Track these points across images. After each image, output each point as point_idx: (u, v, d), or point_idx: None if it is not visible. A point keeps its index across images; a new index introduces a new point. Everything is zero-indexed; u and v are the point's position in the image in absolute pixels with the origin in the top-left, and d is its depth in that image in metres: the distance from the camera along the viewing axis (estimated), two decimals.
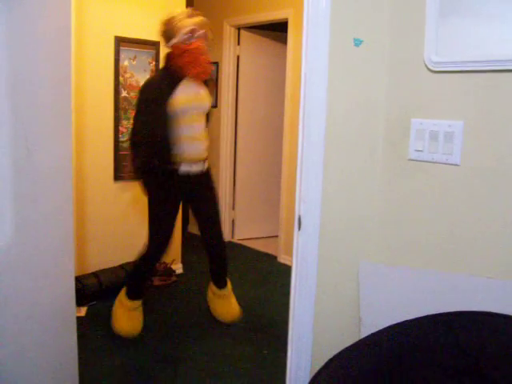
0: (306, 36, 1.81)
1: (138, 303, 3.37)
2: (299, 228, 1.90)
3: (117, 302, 3.40)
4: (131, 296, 3.34)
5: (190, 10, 3.16)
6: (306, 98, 1.83)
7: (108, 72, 3.93)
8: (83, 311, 3.63)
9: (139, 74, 4.08)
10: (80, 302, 3.56)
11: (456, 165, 1.70)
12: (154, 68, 4.15)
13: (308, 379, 1.92)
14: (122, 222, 4.15)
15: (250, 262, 5.10)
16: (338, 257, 1.94)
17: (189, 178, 3.21)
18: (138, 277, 3.38)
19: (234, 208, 5.73)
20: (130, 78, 4.04)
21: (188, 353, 3.17)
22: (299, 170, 1.88)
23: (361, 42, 1.80)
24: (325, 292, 1.94)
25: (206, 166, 3.32)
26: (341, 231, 1.92)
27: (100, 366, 2.94)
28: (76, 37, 3.62)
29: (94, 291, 3.80)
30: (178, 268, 4.58)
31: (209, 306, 3.67)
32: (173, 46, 3.07)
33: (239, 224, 5.77)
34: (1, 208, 1.73)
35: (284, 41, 4.99)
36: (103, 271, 3.97)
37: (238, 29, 5.41)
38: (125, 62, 3.99)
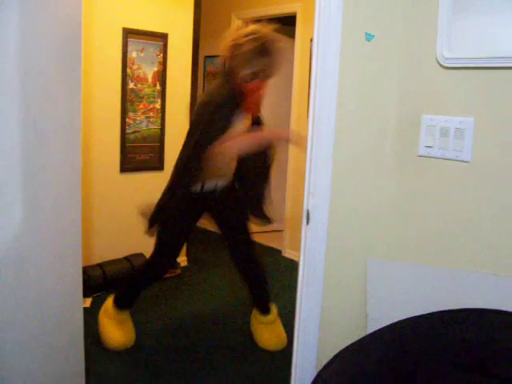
0: (318, 30, 1.80)
1: (125, 314, 3.13)
2: (307, 222, 1.89)
3: (102, 314, 3.16)
4: (120, 304, 3.09)
5: (262, 27, 2.71)
6: (316, 92, 1.82)
7: (116, 64, 3.92)
8: (88, 302, 3.64)
9: (147, 65, 4.08)
10: (85, 293, 3.55)
11: (466, 161, 1.69)
12: (161, 60, 4.14)
13: (314, 374, 1.92)
14: (127, 214, 4.15)
15: None
16: (346, 252, 1.93)
17: (214, 193, 2.97)
18: (135, 284, 3.14)
19: None
20: (137, 69, 4.03)
21: (193, 346, 3.17)
22: (308, 163, 1.88)
23: (373, 36, 1.79)
24: (332, 287, 1.94)
25: (232, 179, 3.06)
26: (349, 226, 1.92)
27: (105, 356, 2.95)
28: (84, 28, 3.58)
29: (98, 282, 3.81)
30: (183, 261, 4.58)
31: (252, 334, 3.30)
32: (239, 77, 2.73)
33: None
34: (11, 197, 1.73)
35: (292, 35, 4.97)
36: (108, 263, 3.98)
37: (246, 22, 5.38)
38: (132, 54, 3.98)
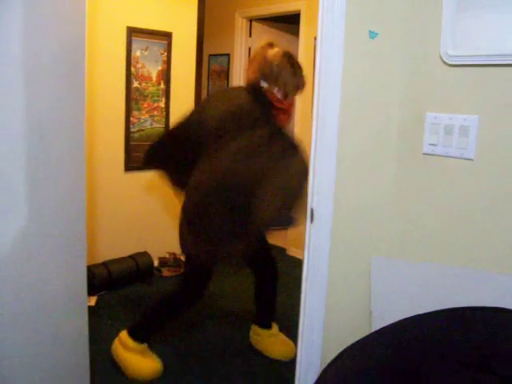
0: (321, 28, 1.80)
1: (144, 346, 2.87)
2: (311, 221, 1.89)
3: (119, 349, 2.88)
4: (137, 337, 2.84)
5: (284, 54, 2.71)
6: (320, 90, 1.82)
7: (120, 62, 3.93)
8: (93, 301, 3.65)
9: (151, 64, 4.08)
10: (89, 292, 3.56)
11: (470, 159, 1.68)
12: (165, 59, 4.14)
13: (318, 372, 1.92)
14: (132, 213, 4.16)
15: None
16: (350, 250, 1.93)
17: None
18: (157, 317, 2.89)
19: None
20: (141, 68, 4.04)
21: (196, 345, 3.18)
22: (312, 162, 1.88)
23: (376, 34, 1.79)
24: (336, 285, 1.94)
25: None
26: (353, 224, 1.92)
27: (110, 355, 2.95)
28: (88, 27, 3.60)
29: (103, 281, 3.82)
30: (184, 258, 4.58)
31: (258, 349, 3.16)
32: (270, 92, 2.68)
33: None
34: (16, 197, 1.74)
35: (296, 33, 4.97)
36: (113, 261, 3.99)
37: (250, 20, 5.39)
38: (137, 53, 3.99)
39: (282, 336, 3.20)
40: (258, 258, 3.10)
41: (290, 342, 3.13)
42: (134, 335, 2.84)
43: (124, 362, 2.83)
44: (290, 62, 2.70)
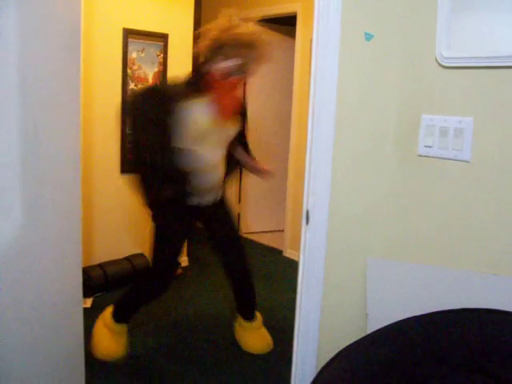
0: (317, 30, 1.80)
1: (124, 328, 2.98)
2: (307, 222, 1.89)
3: (99, 322, 3.02)
4: (118, 318, 2.95)
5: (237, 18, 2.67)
6: (316, 91, 1.82)
7: (116, 64, 3.92)
8: (89, 302, 3.64)
9: (147, 66, 4.08)
10: (85, 294, 3.57)
11: (466, 161, 1.69)
12: (162, 60, 4.14)
13: (314, 374, 1.92)
14: (127, 215, 4.15)
15: (256, 256, 5.10)
16: (346, 251, 1.93)
17: (198, 207, 2.82)
18: (134, 299, 2.99)
19: (239, 202, 5.72)
20: (137, 70, 4.03)
21: (193, 346, 3.17)
22: (308, 163, 1.88)
23: (372, 36, 1.79)
24: (332, 287, 1.94)
25: (221, 193, 2.91)
26: (349, 226, 1.92)
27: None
28: (84, 29, 3.60)
29: (99, 283, 3.81)
30: (184, 261, 4.58)
31: (236, 339, 3.22)
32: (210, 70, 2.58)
33: (245, 218, 5.77)
34: (10, 198, 1.73)
35: (292, 35, 4.97)
36: (109, 263, 3.98)
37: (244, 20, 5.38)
38: (133, 54, 3.98)
39: (262, 331, 3.21)
40: (222, 244, 3.05)
41: (267, 338, 3.18)
42: (114, 315, 2.94)
43: (95, 335, 2.96)
44: (241, 37, 2.56)
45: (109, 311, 3.00)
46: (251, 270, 3.11)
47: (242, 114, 2.84)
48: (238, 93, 2.67)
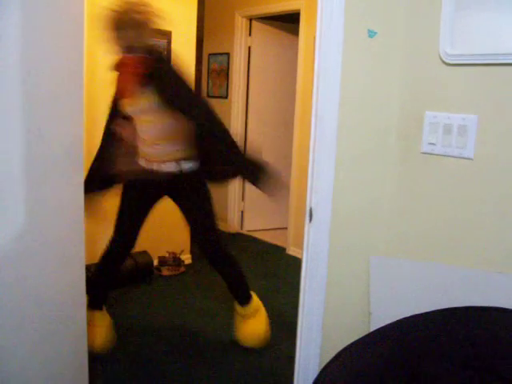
0: (320, 27, 1.79)
1: (95, 314, 2.96)
2: (310, 220, 1.89)
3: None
4: (89, 305, 2.85)
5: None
6: (319, 89, 1.82)
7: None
8: None
9: None
10: (88, 291, 3.57)
11: (469, 159, 1.68)
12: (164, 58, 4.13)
13: (317, 371, 1.92)
14: None
15: (259, 253, 5.11)
16: (349, 249, 1.93)
17: (159, 178, 2.87)
18: (96, 281, 3.02)
19: (243, 199, 5.73)
20: None
21: (196, 343, 3.18)
22: (311, 160, 1.87)
23: (375, 33, 1.79)
24: (335, 285, 1.94)
25: (185, 167, 2.87)
26: (352, 224, 1.92)
27: (108, 354, 2.95)
28: (86, 26, 3.61)
29: None
30: (187, 258, 4.59)
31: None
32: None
33: (248, 215, 5.77)
34: (13, 196, 1.73)
35: (296, 32, 4.97)
36: None
37: (250, 20, 5.38)
38: None
39: (257, 320, 3.14)
40: (196, 232, 3.09)
41: (260, 331, 3.12)
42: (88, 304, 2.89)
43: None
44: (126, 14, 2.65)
45: None
46: (231, 256, 3.11)
47: (157, 85, 2.71)
48: (138, 71, 2.65)
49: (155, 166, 2.85)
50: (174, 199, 3.01)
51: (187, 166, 2.88)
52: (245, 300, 3.12)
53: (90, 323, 2.76)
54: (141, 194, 2.98)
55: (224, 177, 3.07)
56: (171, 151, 2.84)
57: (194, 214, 2.98)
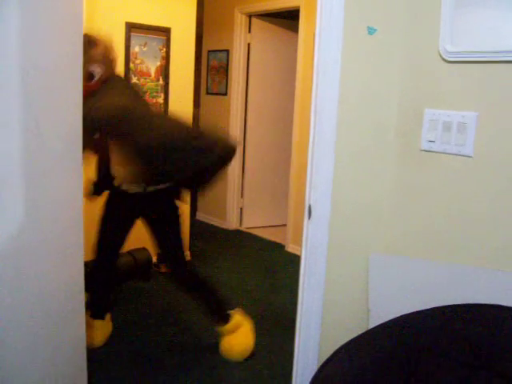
0: (320, 23, 1.79)
1: (99, 323, 3.03)
2: (309, 217, 1.89)
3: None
4: (91, 314, 2.99)
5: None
6: (318, 85, 1.81)
7: (119, 58, 3.91)
8: None
9: (149, 60, 4.07)
10: (87, 288, 3.57)
11: (468, 156, 1.68)
12: (164, 55, 4.13)
13: (315, 368, 1.92)
14: None
15: (258, 250, 5.11)
16: (348, 246, 1.93)
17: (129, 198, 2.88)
18: (93, 292, 3.02)
19: (242, 196, 5.73)
20: (140, 64, 4.03)
21: (194, 339, 3.18)
22: (310, 157, 1.87)
23: (375, 30, 1.79)
24: (334, 282, 1.94)
25: (150, 188, 2.84)
26: (351, 221, 1.92)
27: (107, 351, 2.96)
28: (87, 23, 3.60)
29: None
30: (186, 255, 4.57)
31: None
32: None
33: (247, 212, 5.77)
34: (12, 193, 1.73)
35: (295, 29, 4.96)
36: None
37: (250, 16, 5.38)
38: (135, 49, 3.98)
39: (239, 334, 3.04)
40: (170, 258, 3.13)
41: (242, 348, 3.02)
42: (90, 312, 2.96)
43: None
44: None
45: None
46: (202, 279, 3.12)
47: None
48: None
49: (124, 186, 2.84)
50: (145, 220, 3.02)
51: (152, 187, 2.86)
52: (221, 320, 3.02)
53: (89, 325, 2.78)
54: (118, 214, 2.98)
55: (204, 181, 2.97)
56: (134, 172, 2.79)
57: (164, 234, 3.02)
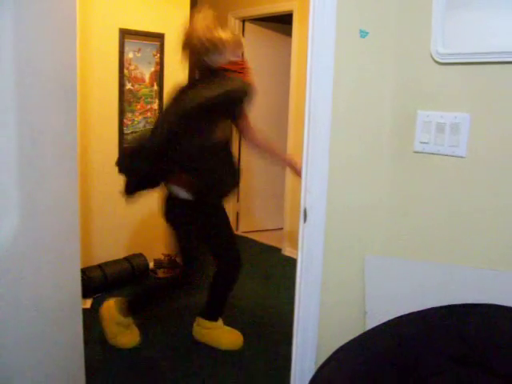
0: (312, 27, 1.80)
1: (129, 320, 3.11)
2: (305, 220, 1.89)
3: (106, 315, 3.11)
4: (128, 311, 3.07)
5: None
6: (311, 89, 1.82)
7: (112, 64, 3.92)
8: (88, 303, 3.64)
9: (143, 66, 4.08)
10: (85, 294, 3.56)
11: (462, 157, 1.69)
12: (158, 60, 4.14)
13: (313, 371, 1.92)
14: (126, 215, 4.15)
15: (255, 254, 5.10)
16: (344, 249, 1.93)
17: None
18: (152, 297, 3.18)
19: (238, 200, 5.72)
20: (134, 70, 4.03)
21: (191, 343, 3.18)
22: (305, 161, 1.88)
23: (367, 33, 1.79)
24: (330, 285, 1.94)
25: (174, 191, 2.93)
26: (346, 223, 1.92)
27: (105, 357, 2.95)
28: (80, 29, 3.61)
29: (99, 283, 3.81)
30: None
31: (204, 342, 3.21)
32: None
33: (243, 216, 5.77)
34: (8, 198, 1.73)
35: (289, 33, 4.97)
36: (108, 263, 3.98)
37: (243, 21, 5.39)
38: (129, 55, 3.98)
39: (227, 327, 3.25)
40: (221, 245, 3.19)
41: (236, 332, 3.23)
42: (126, 308, 3.05)
43: (107, 328, 3.09)
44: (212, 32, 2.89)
45: (114, 304, 3.09)
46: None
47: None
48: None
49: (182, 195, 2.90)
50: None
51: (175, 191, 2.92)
52: (212, 317, 3.21)
53: (122, 326, 3.07)
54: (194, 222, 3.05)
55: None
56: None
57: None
